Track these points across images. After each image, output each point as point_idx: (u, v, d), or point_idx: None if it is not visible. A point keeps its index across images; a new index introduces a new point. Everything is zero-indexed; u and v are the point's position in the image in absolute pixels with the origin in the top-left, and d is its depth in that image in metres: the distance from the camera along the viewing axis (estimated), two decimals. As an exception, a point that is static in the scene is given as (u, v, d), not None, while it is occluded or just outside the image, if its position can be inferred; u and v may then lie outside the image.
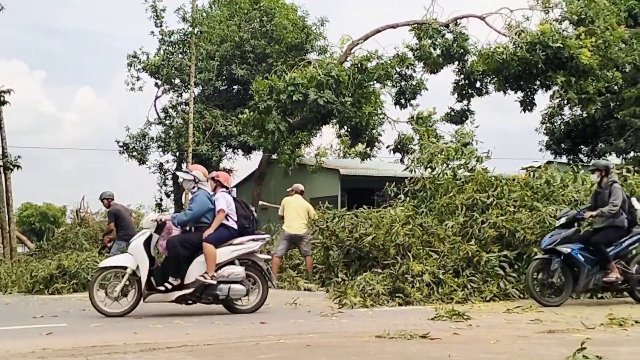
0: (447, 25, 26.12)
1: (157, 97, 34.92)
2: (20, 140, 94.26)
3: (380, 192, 15.78)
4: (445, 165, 14.70)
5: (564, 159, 31.77)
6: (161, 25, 31.66)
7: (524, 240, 12.21)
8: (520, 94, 26.63)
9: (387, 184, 15.07)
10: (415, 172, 15.42)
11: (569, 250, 10.51)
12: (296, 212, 14.33)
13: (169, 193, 35.60)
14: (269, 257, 11.69)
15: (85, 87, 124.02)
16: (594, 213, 10.77)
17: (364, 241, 12.60)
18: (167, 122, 34.53)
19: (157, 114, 35.00)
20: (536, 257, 11.24)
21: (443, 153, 14.66)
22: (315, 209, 14.76)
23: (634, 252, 11.21)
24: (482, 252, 11.73)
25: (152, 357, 5.61)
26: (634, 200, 11.22)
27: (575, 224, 10.92)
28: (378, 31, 27.02)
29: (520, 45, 23.61)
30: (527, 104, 27.27)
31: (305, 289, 13.59)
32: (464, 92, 27.93)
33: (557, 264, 10.50)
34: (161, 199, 35.65)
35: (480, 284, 11.42)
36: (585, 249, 10.64)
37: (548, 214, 12.28)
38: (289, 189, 15.16)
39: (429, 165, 14.87)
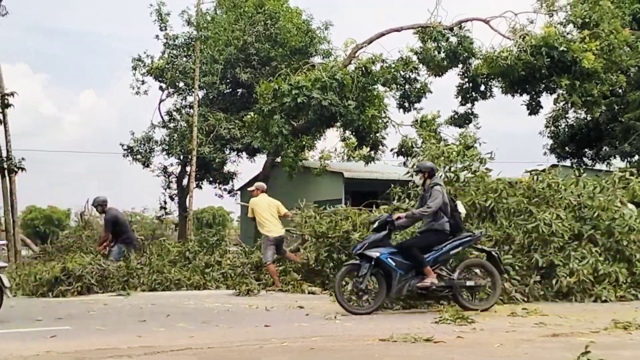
0: (451, 29, 26.13)
1: (161, 101, 34.96)
2: (24, 143, 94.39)
3: (383, 195, 15.74)
4: (447, 168, 14.71)
5: (568, 163, 31.72)
6: (165, 29, 31.73)
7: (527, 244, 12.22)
8: (526, 97, 26.66)
9: (392, 185, 15.09)
10: (415, 175, 15.45)
11: (378, 254, 10.05)
12: (270, 214, 14.06)
13: (173, 196, 35.62)
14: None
15: (88, 89, 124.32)
16: (402, 215, 10.52)
17: (350, 239, 12.71)
18: (172, 125, 34.58)
19: (162, 117, 35.06)
20: (346, 262, 11.16)
21: (444, 155, 14.67)
22: (289, 208, 14.80)
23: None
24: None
25: (155, 360, 5.62)
26: (458, 203, 10.82)
27: (388, 227, 10.39)
28: (382, 34, 27.05)
29: (524, 48, 23.61)
30: (533, 107, 27.31)
31: (309, 292, 13.58)
32: (468, 95, 27.93)
33: (365, 269, 10.04)
34: (165, 202, 35.67)
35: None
36: (400, 253, 10.16)
37: (542, 219, 12.22)
38: (251, 189, 14.89)
39: None
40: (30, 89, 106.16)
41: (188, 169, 31.63)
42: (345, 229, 13.44)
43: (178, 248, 16.74)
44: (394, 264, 10.03)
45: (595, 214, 12.83)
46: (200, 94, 31.84)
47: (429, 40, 26.11)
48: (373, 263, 10.04)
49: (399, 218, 10.40)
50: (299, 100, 22.64)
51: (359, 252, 10.27)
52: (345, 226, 13.53)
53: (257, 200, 14.31)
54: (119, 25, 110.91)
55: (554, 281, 11.77)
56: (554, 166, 16.40)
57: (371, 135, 26.72)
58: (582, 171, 14.70)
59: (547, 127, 33.17)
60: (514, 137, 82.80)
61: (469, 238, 10.55)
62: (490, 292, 10.44)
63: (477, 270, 10.60)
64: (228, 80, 32.61)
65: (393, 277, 10.00)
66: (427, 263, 10.08)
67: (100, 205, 15.19)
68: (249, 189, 15.07)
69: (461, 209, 10.78)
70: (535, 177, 13.90)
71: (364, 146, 28.72)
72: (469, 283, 10.27)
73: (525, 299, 11.46)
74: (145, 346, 6.48)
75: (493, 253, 10.69)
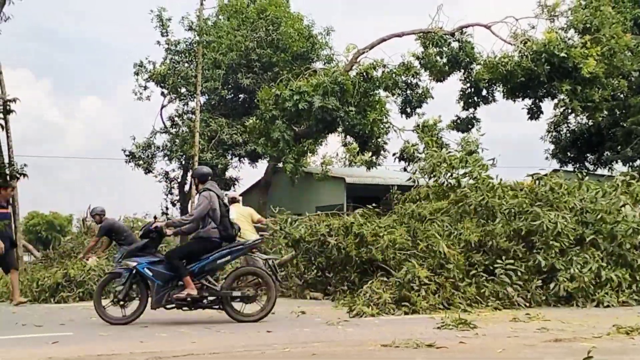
0: (452, 34, 26.13)
1: (163, 106, 35.04)
2: (27, 149, 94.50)
3: (382, 201, 15.76)
4: (449, 174, 14.74)
5: (569, 168, 31.71)
6: (167, 35, 31.83)
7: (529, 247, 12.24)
8: (527, 101, 26.70)
9: (392, 189, 15.12)
10: (417, 182, 15.51)
11: (135, 264, 9.80)
12: (246, 224, 13.93)
13: (175, 202, 35.65)
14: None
15: (91, 95, 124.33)
16: (163, 223, 10.23)
17: (329, 246, 12.76)
18: (173, 130, 34.64)
19: (163, 122, 35.12)
20: (109, 271, 11.07)
21: (446, 162, 14.70)
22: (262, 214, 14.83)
23: (229, 266, 10.76)
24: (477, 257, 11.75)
25: (158, 366, 5.62)
26: (231, 209, 10.46)
27: (151, 235, 10.12)
28: (384, 40, 27.05)
29: (525, 54, 23.64)
30: (534, 112, 27.34)
31: (310, 298, 13.58)
32: (470, 100, 27.92)
33: (124, 278, 9.85)
34: (167, 208, 35.70)
35: (490, 290, 11.45)
36: (162, 263, 9.85)
37: (549, 220, 12.23)
38: (233, 199, 14.77)
39: (432, 175, 14.92)
40: (33, 95, 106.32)
41: (190, 174, 31.68)
42: (322, 233, 13.34)
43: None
44: (151, 274, 9.75)
45: (599, 217, 12.85)
46: (202, 99, 31.91)
47: (430, 46, 26.12)
48: (134, 272, 9.82)
49: (156, 227, 10.08)
50: (300, 106, 22.66)
51: (118, 260, 10.17)
52: (322, 230, 13.44)
53: (232, 212, 13.75)
54: (122, 31, 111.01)
55: (555, 286, 11.77)
56: (555, 171, 16.42)
57: (373, 140, 26.73)
58: (584, 175, 14.72)
59: (548, 132, 33.17)
60: (512, 142, 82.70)
61: (240, 246, 10.17)
62: (264, 302, 9.97)
63: (251, 278, 10.33)
64: (230, 86, 32.68)
65: (152, 287, 9.73)
66: (186, 273, 9.71)
67: (98, 215, 15.26)
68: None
69: (233, 215, 10.40)
70: (537, 180, 13.92)
71: (365, 151, 28.75)
72: (235, 294, 9.85)
73: (527, 304, 11.46)
74: (148, 352, 6.49)
75: (269, 261, 10.56)
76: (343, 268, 13.00)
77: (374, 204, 14.49)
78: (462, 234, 12.50)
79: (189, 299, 9.65)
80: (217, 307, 9.88)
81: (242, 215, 14.03)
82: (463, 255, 11.98)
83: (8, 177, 23.32)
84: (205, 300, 9.79)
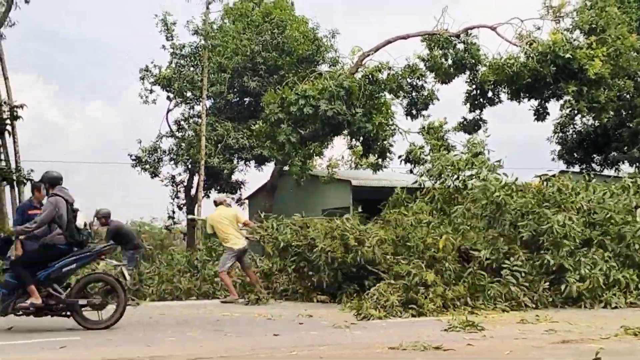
0: (458, 36, 26.11)
1: (169, 110, 35.07)
2: (33, 153, 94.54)
3: (385, 202, 15.71)
4: (455, 177, 14.75)
5: (576, 169, 31.65)
6: (172, 39, 31.87)
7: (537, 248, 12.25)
8: (534, 102, 26.69)
9: (398, 189, 15.12)
10: (423, 184, 15.51)
11: None
12: (232, 228, 13.80)
13: (181, 205, 35.66)
14: None
15: (96, 99, 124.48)
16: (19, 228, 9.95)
17: (314, 250, 12.80)
18: (179, 134, 34.67)
19: (169, 126, 35.15)
20: None
21: (453, 165, 14.71)
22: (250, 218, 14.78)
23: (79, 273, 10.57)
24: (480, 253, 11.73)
25: (165, 370, 5.62)
26: (79, 215, 10.12)
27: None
28: (389, 42, 27.04)
29: (531, 55, 23.62)
30: (540, 114, 27.33)
31: (317, 301, 13.57)
32: (476, 102, 27.90)
33: None
34: (173, 212, 35.70)
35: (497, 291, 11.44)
36: (10, 271, 9.61)
37: (557, 221, 12.22)
38: (217, 203, 14.45)
39: (439, 178, 14.92)
40: (39, 99, 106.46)
41: (196, 178, 31.71)
42: (312, 237, 13.32)
43: (187, 257, 16.80)
44: None
45: (608, 216, 12.83)
46: (208, 103, 31.92)
47: (435, 48, 26.12)
48: None
49: (17, 233, 9.92)
50: (305, 110, 22.67)
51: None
52: (311, 234, 13.44)
53: (216, 215, 14.04)
54: (127, 35, 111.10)
55: (563, 287, 11.75)
56: (563, 172, 16.41)
57: (378, 143, 26.70)
58: (591, 177, 14.70)
59: (555, 133, 33.14)
60: (519, 144, 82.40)
61: (88, 253, 9.95)
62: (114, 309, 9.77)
63: (101, 285, 10.11)
64: (235, 90, 32.69)
65: None
66: (30, 282, 9.41)
67: (103, 217, 15.21)
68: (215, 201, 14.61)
69: (80, 221, 10.13)
70: (544, 181, 13.90)
71: (371, 154, 28.73)
72: (81, 302, 9.63)
73: (534, 306, 11.44)
74: (155, 356, 6.49)
75: (120, 267, 10.52)
76: (333, 272, 12.96)
77: (378, 206, 14.49)
78: (464, 235, 12.51)
79: (31, 308, 9.48)
80: (65, 314, 9.72)
81: (226, 219, 13.84)
82: (456, 254, 12.01)
83: (15, 183, 23.44)
84: (52, 308, 9.63)
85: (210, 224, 14.08)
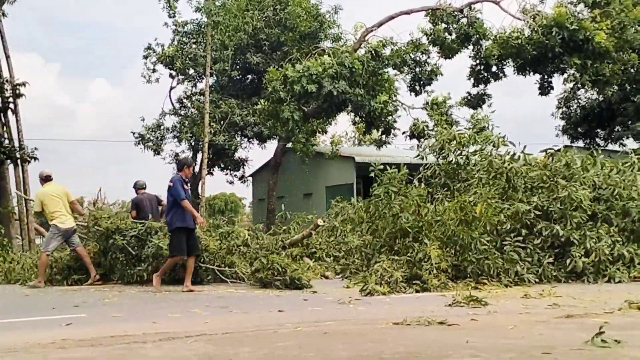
0: (461, 10, 26.01)
1: (172, 88, 35.05)
2: (37, 133, 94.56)
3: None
4: (458, 152, 14.71)
5: (580, 144, 31.61)
6: (174, 16, 31.76)
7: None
8: (538, 76, 26.62)
9: (402, 166, 15.12)
10: (426, 159, 15.47)
11: None
12: (62, 204, 13.16)
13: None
14: None
15: (100, 78, 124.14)
16: None
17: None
18: (182, 112, 34.64)
19: (172, 104, 35.13)
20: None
21: (455, 140, 14.67)
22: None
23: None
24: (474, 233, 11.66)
25: (171, 346, 5.64)
26: (46, 190, 9.96)
27: None
28: (392, 18, 26.95)
29: (535, 29, 23.51)
30: (545, 88, 27.25)
31: (321, 276, 13.61)
32: (480, 76, 27.84)
33: None
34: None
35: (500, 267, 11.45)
36: None
37: (570, 192, 12.22)
38: (45, 178, 13.53)
39: (441, 153, 14.88)
40: (45, 80, 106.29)
41: (199, 155, 31.72)
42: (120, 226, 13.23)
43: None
44: None
45: (615, 192, 12.83)
46: (211, 80, 31.88)
47: (439, 22, 26.02)
48: None
49: None
50: (308, 89, 22.61)
51: None
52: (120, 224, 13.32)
53: (46, 191, 13.24)
54: (131, 15, 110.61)
55: (568, 261, 11.77)
56: (567, 147, 16.40)
57: (381, 120, 26.66)
58: (598, 152, 14.68)
59: (558, 107, 33.06)
60: (523, 120, 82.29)
61: None
62: None
63: None
64: (238, 67, 32.61)
65: None
66: None
67: (135, 188, 15.74)
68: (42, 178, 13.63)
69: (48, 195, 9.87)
70: (550, 157, 13.88)
71: (374, 130, 28.72)
72: None
73: (538, 280, 11.47)
74: (161, 332, 6.51)
75: None
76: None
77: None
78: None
79: None
80: None
81: (56, 196, 13.15)
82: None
83: (19, 161, 23.47)
84: None
85: (40, 200, 13.24)
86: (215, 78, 33.07)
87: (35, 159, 23.99)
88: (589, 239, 11.94)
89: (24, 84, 23.69)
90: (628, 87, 28.82)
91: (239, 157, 35.28)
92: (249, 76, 33.78)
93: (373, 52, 24.69)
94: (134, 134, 34.25)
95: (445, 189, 14.36)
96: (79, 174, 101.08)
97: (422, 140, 27.05)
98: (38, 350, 5.58)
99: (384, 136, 28.86)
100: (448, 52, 26.59)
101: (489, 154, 14.13)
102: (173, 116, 34.95)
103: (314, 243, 15.88)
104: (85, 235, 14.14)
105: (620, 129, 30.14)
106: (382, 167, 13.60)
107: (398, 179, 13.28)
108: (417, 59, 27.62)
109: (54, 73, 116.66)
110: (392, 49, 26.20)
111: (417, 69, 27.79)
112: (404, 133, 28.28)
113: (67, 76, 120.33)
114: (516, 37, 24.06)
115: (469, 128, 16.31)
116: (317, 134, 29.55)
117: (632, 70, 27.80)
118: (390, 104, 26.16)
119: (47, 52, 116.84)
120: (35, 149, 24.11)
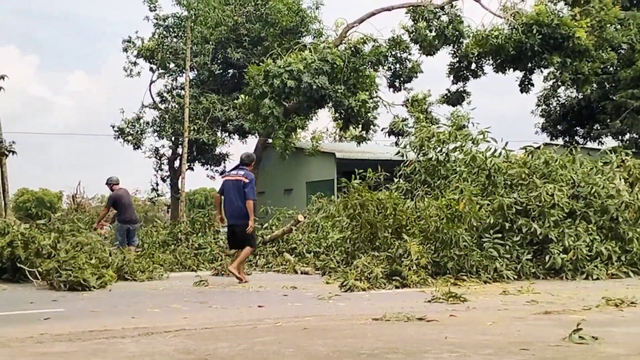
0: (442, 7, 26.05)
1: (152, 82, 34.85)
2: (15, 126, 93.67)
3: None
4: (438, 149, 14.77)
5: (560, 142, 31.80)
6: (155, 10, 31.60)
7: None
8: (518, 73, 26.73)
9: (379, 167, 15.11)
10: (406, 156, 15.52)
11: None
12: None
13: (165, 178, 35.54)
14: None
15: (78, 70, 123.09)
16: None
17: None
18: (163, 106, 34.47)
19: (152, 98, 34.94)
20: None
21: (435, 137, 14.74)
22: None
23: None
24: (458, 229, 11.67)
25: (149, 341, 5.62)
26: None
27: None
28: (373, 14, 26.95)
29: (515, 27, 23.62)
30: (525, 85, 27.38)
31: (301, 273, 13.62)
32: (459, 73, 27.93)
33: None
34: (157, 184, 35.61)
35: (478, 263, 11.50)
36: None
37: (546, 191, 12.29)
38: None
39: (421, 150, 14.94)
40: (22, 72, 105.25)
41: (180, 150, 31.59)
42: None
43: (169, 229, 16.81)
44: None
45: (593, 190, 12.92)
46: (192, 75, 31.76)
47: (420, 19, 26.05)
48: None
49: None
50: (288, 83, 22.59)
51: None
52: None
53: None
54: (110, 8, 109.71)
55: (547, 258, 11.85)
56: (547, 145, 16.52)
57: (360, 117, 26.66)
58: (577, 150, 14.78)
59: (538, 105, 33.23)
60: (502, 118, 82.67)
61: None
62: None
63: None
64: (219, 61, 32.49)
65: None
66: None
67: (110, 184, 15.30)
68: None
69: None
70: (530, 154, 13.97)
71: (352, 127, 28.76)
72: None
73: (516, 277, 11.55)
74: (140, 327, 6.49)
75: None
76: None
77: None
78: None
79: None
80: None
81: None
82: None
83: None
84: None
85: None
86: (196, 72, 32.94)
87: (13, 152, 23.80)
88: (568, 237, 12.03)
89: (2, 77, 23.46)
90: (607, 86, 29.04)
91: (219, 153, 35.19)
92: (230, 71, 33.67)
93: (353, 48, 24.70)
94: (113, 127, 34.06)
95: (425, 186, 14.42)
96: (58, 167, 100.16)
97: (400, 137, 27.13)
98: (16, 345, 5.54)
99: (364, 132, 28.90)
100: (429, 49, 26.64)
101: (469, 150, 14.21)
102: (153, 110, 34.79)
103: (294, 239, 15.89)
104: None
105: (599, 127, 30.34)
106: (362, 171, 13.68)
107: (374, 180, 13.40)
108: (398, 55, 27.64)
109: (31, 65, 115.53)
110: (372, 46, 26.22)
111: (397, 66, 27.82)
112: (383, 129, 28.37)
113: (45, 69, 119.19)
114: (496, 35, 24.16)
115: (450, 125, 16.36)
116: (298, 129, 29.50)
117: (611, 68, 28.02)
118: (370, 102, 26.20)
119: (23, 44, 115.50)
120: (13, 142, 23.93)
